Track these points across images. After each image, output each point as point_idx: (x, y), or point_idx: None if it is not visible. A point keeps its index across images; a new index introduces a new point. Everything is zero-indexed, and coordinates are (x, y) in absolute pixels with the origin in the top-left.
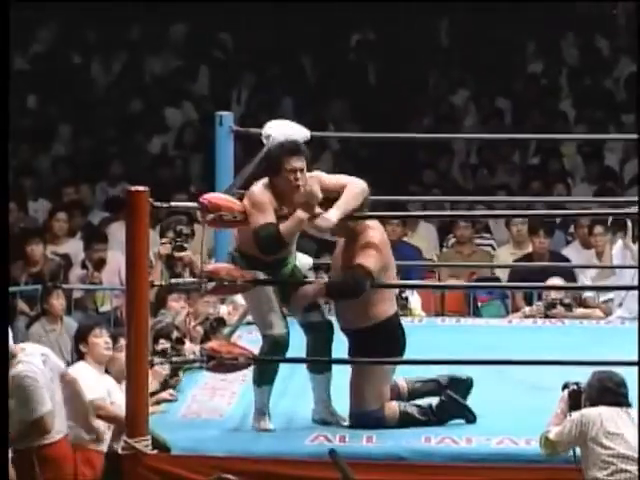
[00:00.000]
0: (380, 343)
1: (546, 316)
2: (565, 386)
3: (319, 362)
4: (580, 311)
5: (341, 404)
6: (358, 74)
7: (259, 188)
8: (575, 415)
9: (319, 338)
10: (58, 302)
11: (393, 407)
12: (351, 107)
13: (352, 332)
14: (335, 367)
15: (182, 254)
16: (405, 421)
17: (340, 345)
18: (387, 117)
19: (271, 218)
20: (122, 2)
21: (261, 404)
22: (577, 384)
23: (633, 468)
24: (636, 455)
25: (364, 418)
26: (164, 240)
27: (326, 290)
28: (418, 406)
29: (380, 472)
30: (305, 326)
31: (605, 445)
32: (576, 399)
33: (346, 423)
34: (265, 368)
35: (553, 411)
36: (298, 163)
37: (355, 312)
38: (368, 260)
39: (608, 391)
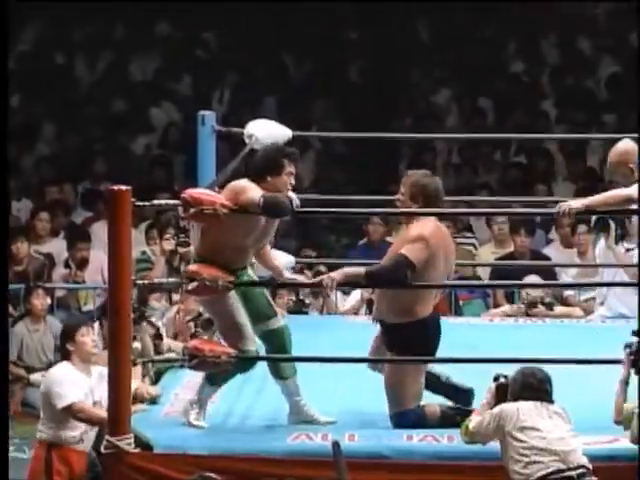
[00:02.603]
0: (408, 342)
1: (527, 315)
2: (496, 378)
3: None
4: (560, 309)
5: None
6: (341, 73)
7: (246, 182)
8: (495, 409)
9: (278, 345)
10: (40, 302)
11: (434, 407)
12: (334, 106)
13: (383, 324)
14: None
15: (186, 249)
16: (445, 422)
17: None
18: (370, 116)
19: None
20: (107, 2)
21: (205, 400)
22: (506, 377)
23: (546, 459)
24: (551, 447)
25: (405, 418)
26: (167, 236)
27: (365, 275)
28: (457, 409)
29: (362, 470)
30: (263, 336)
31: (520, 439)
32: (503, 392)
33: (325, 420)
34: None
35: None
36: (294, 168)
37: (388, 306)
38: (410, 250)
39: (530, 386)
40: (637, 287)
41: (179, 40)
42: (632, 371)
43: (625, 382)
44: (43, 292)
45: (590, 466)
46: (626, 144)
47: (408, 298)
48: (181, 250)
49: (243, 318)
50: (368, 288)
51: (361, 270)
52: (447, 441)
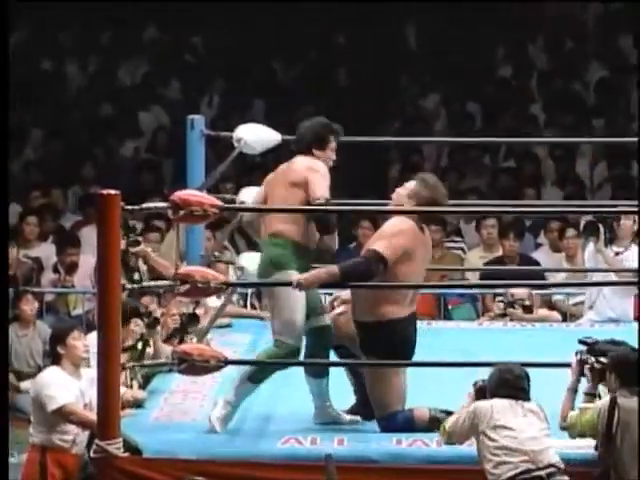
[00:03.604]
0: (382, 343)
1: (504, 315)
2: (475, 383)
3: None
4: (541, 313)
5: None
6: (330, 78)
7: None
8: (470, 407)
9: (319, 343)
10: (28, 307)
11: (423, 411)
12: (322, 110)
13: (358, 324)
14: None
15: (137, 249)
16: (434, 426)
17: None
18: (358, 121)
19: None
20: (94, 6)
21: (239, 401)
22: (484, 381)
23: (516, 459)
24: (522, 447)
25: (392, 421)
26: None
27: (339, 272)
28: (448, 412)
29: (351, 475)
30: (310, 331)
31: (492, 438)
32: (482, 395)
33: (349, 419)
34: (266, 369)
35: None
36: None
37: (360, 304)
38: (383, 245)
39: (506, 383)
40: (626, 290)
41: (167, 44)
42: (580, 379)
43: (574, 390)
44: (32, 297)
45: (562, 465)
46: None
47: (378, 297)
48: (132, 249)
49: (300, 315)
50: (344, 288)
51: (335, 269)
52: (436, 445)
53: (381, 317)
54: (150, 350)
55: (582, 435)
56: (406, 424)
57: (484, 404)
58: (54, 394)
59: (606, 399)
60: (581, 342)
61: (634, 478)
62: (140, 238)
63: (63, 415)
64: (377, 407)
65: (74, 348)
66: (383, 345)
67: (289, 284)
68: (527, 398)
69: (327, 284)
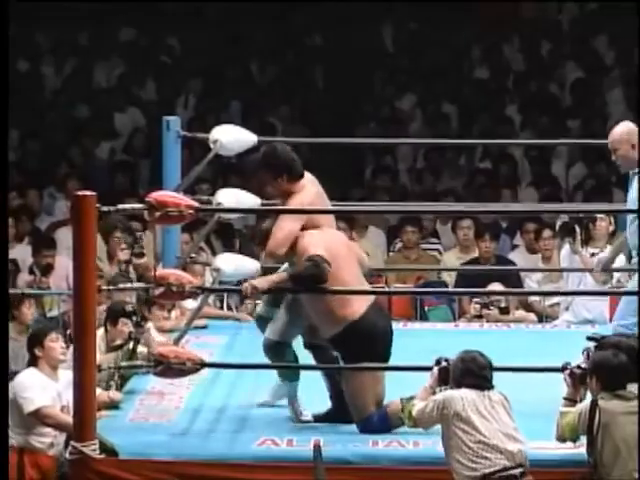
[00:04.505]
0: (352, 347)
1: (479, 317)
2: (437, 362)
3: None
4: (518, 314)
5: None
6: (305, 78)
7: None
8: (438, 396)
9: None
10: (29, 312)
11: (395, 404)
12: (298, 111)
13: (328, 341)
14: None
15: (141, 261)
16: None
17: None
18: (334, 121)
19: None
20: (71, 7)
21: (294, 400)
22: (447, 360)
23: (492, 456)
24: (498, 444)
25: (369, 424)
26: (123, 246)
27: (291, 279)
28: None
29: (328, 476)
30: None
31: (465, 430)
32: (445, 375)
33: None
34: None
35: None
36: None
37: (319, 323)
38: (317, 250)
39: (470, 373)
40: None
41: (144, 45)
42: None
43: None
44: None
45: (528, 464)
46: (627, 124)
47: (329, 305)
48: (136, 261)
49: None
50: (295, 292)
51: (285, 275)
52: (413, 446)
53: (341, 324)
54: (144, 349)
55: (562, 439)
56: (382, 423)
57: (454, 394)
58: (31, 396)
59: (586, 402)
60: (590, 339)
61: None
62: (145, 250)
63: (39, 418)
64: (354, 411)
65: (52, 350)
66: (354, 349)
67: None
68: (490, 387)
69: (279, 289)
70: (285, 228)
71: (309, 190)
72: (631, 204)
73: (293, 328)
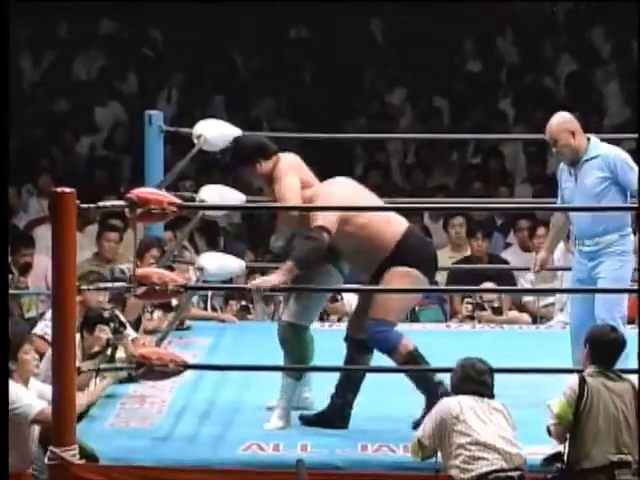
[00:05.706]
0: (410, 254)
1: (471, 317)
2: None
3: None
4: (511, 315)
5: None
6: (293, 72)
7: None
8: (435, 407)
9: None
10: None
11: (410, 344)
12: (286, 105)
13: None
14: None
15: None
16: (408, 361)
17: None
18: (322, 116)
19: None
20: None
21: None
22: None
23: (490, 456)
24: (495, 445)
25: (380, 329)
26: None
27: (293, 262)
28: (425, 362)
29: None
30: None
31: (463, 432)
32: None
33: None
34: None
35: None
36: None
37: (368, 256)
38: (316, 220)
39: (469, 379)
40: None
41: (125, 38)
42: None
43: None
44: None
45: (526, 470)
46: (562, 114)
47: (370, 236)
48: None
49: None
50: (302, 270)
51: (288, 263)
52: (403, 451)
53: (389, 247)
54: (122, 355)
55: (556, 427)
56: (388, 342)
57: (450, 399)
58: (27, 403)
59: (574, 378)
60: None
61: (592, 465)
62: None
63: (45, 419)
64: (374, 311)
65: (25, 363)
66: (410, 257)
67: (244, 288)
68: (491, 394)
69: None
70: (288, 186)
71: (287, 156)
72: (588, 190)
73: (309, 310)
